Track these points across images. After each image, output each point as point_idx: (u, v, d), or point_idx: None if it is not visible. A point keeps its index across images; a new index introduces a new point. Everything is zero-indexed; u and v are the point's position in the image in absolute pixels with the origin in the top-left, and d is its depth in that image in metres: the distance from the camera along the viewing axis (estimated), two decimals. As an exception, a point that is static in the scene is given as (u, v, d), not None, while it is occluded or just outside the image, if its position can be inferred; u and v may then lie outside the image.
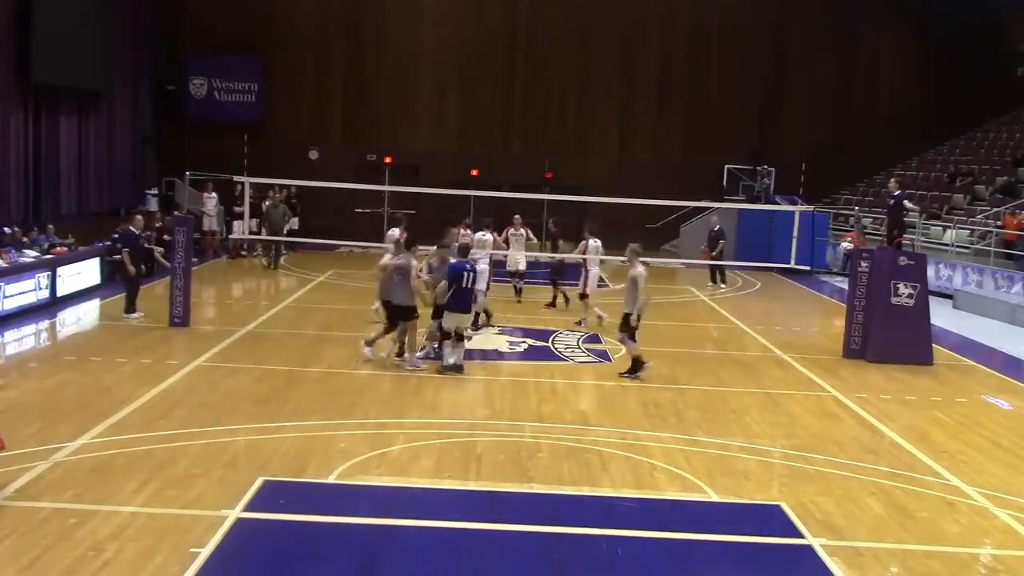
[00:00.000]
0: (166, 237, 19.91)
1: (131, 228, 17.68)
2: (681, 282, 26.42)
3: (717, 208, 27.36)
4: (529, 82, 33.57)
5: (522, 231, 20.49)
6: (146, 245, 18.93)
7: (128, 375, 13.26)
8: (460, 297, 13.88)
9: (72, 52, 23.84)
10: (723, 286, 25.19)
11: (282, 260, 25.59)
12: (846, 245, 27.25)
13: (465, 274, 13.95)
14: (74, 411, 11.36)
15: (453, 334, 13.98)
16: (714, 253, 24.98)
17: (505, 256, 20.21)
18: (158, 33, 31.16)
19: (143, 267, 18.20)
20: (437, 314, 14.30)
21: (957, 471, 10.62)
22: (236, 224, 26.91)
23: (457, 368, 13.94)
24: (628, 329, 14.04)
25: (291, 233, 26.17)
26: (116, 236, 18.02)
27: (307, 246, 26.02)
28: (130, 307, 17.24)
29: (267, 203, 25.77)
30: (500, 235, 20.24)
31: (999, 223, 25.06)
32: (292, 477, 9.56)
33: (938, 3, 33.02)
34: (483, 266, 16.95)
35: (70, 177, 25.03)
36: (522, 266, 20.60)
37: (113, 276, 19.10)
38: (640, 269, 14.00)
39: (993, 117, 33.79)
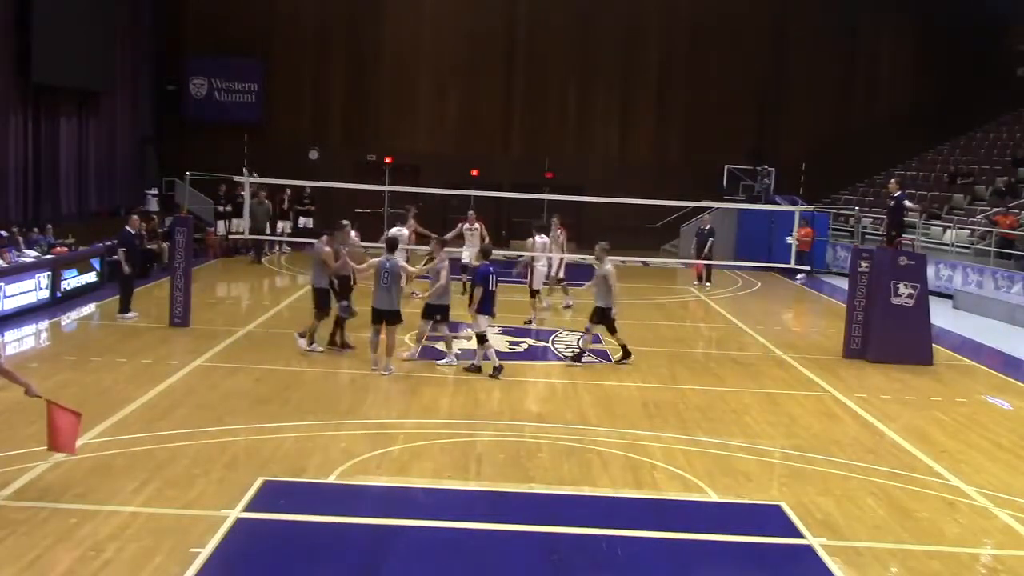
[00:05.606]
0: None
1: (127, 228, 17.75)
2: (681, 282, 26.43)
3: (715, 208, 27.23)
4: (529, 82, 33.53)
5: (476, 226, 20.34)
6: (147, 246, 18.97)
7: (128, 375, 13.26)
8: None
9: (72, 52, 23.80)
10: (708, 284, 25.16)
11: (283, 259, 25.56)
12: (790, 240, 25.13)
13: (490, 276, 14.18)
14: (74, 411, 11.35)
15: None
16: (704, 252, 24.90)
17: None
18: (158, 33, 31.14)
19: (136, 268, 18.10)
20: (427, 314, 14.66)
21: (957, 471, 10.62)
22: (220, 224, 27.79)
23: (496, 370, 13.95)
24: (606, 321, 14.84)
25: (293, 233, 26.25)
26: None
27: (307, 246, 25.97)
28: (125, 307, 17.22)
29: (252, 200, 26.01)
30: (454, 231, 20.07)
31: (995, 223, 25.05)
32: (292, 477, 9.56)
33: (938, 3, 33.02)
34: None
35: (70, 177, 25.00)
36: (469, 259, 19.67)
37: (112, 276, 19.10)
38: (609, 267, 14.86)
39: (993, 117, 33.77)
